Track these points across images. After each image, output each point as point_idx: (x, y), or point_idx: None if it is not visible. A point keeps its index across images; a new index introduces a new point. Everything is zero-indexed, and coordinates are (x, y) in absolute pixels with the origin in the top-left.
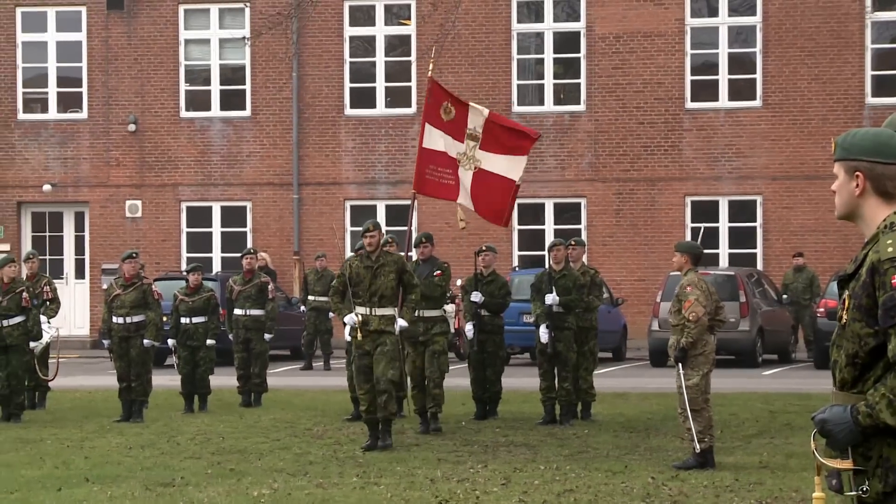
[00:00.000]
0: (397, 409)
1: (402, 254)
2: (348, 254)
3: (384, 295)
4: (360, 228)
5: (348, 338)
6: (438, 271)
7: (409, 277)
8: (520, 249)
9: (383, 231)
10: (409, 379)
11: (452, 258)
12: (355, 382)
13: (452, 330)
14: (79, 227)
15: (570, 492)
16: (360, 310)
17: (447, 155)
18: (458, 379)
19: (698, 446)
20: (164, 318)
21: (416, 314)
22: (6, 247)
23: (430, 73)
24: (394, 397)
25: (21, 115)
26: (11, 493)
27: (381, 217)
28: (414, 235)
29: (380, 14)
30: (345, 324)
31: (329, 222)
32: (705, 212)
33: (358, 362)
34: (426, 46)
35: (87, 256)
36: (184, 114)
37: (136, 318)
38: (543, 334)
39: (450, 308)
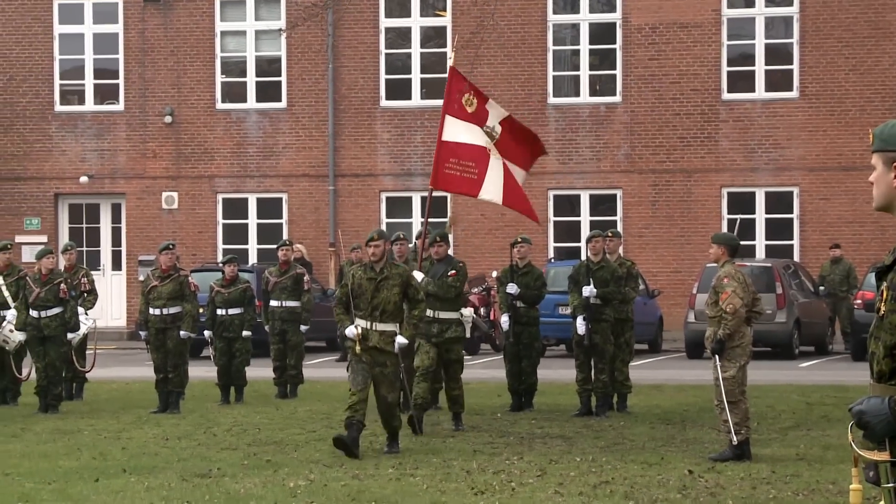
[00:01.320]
0: (432, 401)
1: (412, 252)
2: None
3: (386, 310)
4: (396, 220)
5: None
6: (453, 271)
7: (414, 292)
8: (555, 241)
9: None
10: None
11: (488, 250)
12: (350, 382)
13: (468, 335)
14: (115, 218)
15: (605, 483)
16: (361, 323)
17: (473, 146)
18: (493, 371)
19: (735, 438)
20: (201, 310)
21: (431, 314)
22: (43, 238)
23: (451, 62)
24: (395, 415)
25: (58, 107)
26: (49, 484)
27: (416, 209)
28: (450, 230)
29: (415, 5)
30: (345, 336)
31: (365, 213)
32: (741, 203)
33: (355, 364)
34: (462, 37)
35: (123, 248)
36: (220, 105)
37: (173, 310)
38: (580, 326)
39: (467, 312)
